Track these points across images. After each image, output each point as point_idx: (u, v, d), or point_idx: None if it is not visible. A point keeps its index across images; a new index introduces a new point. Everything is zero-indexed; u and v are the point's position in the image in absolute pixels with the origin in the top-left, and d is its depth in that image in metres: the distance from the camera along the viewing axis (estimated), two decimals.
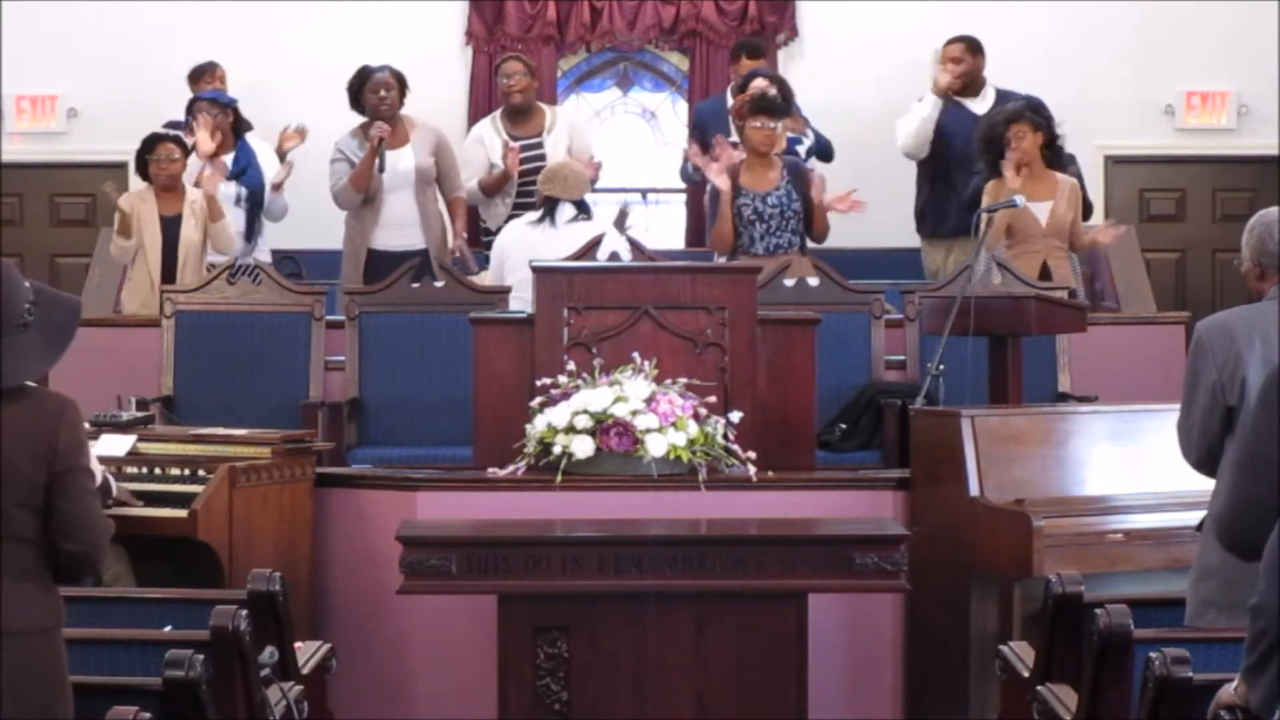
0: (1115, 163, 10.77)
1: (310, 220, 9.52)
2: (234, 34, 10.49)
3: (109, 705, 3.87)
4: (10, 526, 3.73)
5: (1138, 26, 10.74)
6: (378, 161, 8.73)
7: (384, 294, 8.02)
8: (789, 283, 7.90)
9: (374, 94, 8.84)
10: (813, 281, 7.95)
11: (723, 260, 8.35)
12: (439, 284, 8.04)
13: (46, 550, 3.80)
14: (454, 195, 9.00)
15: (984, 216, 7.29)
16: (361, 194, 8.81)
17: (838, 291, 7.94)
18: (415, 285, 8.04)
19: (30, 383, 3.83)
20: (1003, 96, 9.28)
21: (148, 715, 3.82)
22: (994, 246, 8.16)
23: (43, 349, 3.82)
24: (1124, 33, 10.73)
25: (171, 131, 8.89)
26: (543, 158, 8.92)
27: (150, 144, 8.64)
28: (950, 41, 9.65)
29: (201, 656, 4.15)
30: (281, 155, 9.46)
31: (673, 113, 11.37)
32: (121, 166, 10.75)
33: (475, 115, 10.45)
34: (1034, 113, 8.44)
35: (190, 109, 9.14)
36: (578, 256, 7.59)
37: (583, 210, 7.94)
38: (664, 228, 11.09)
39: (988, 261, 7.88)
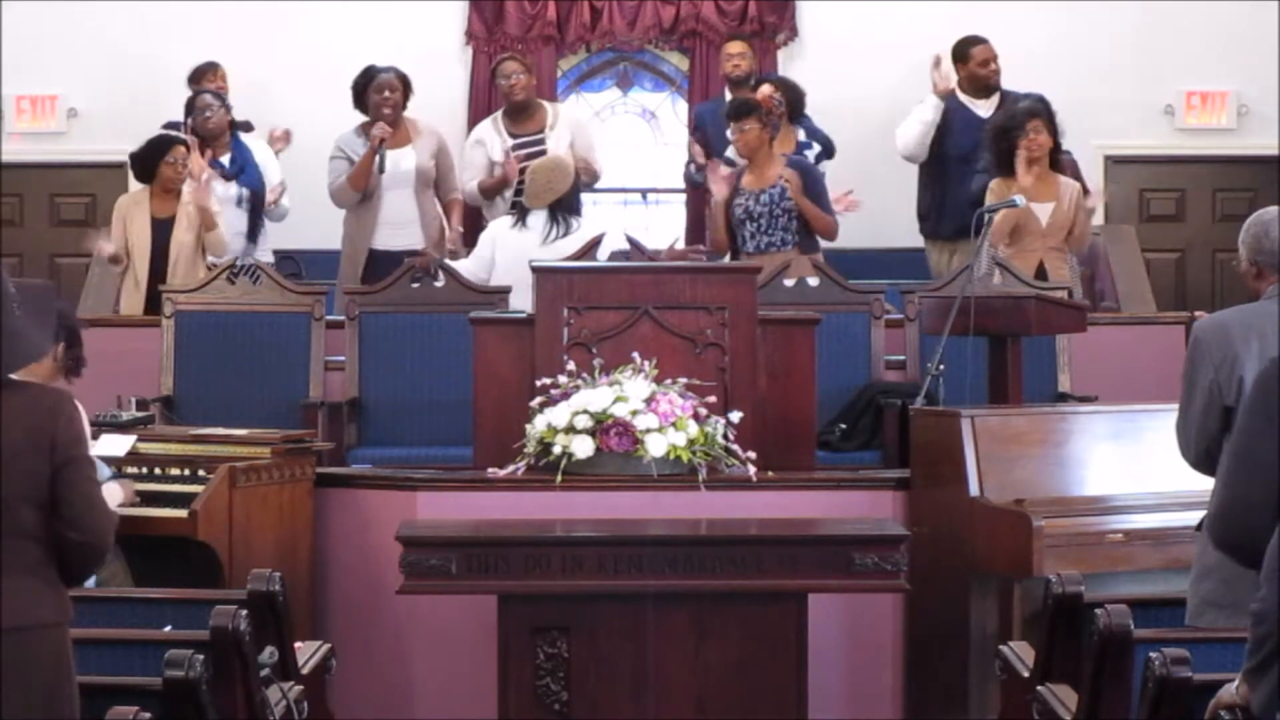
0: (1115, 163, 10.77)
1: (311, 220, 9.53)
2: (234, 33, 10.49)
3: (109, 705, 3.88)
4: (12, 520, 3.73)
5: (1138, 26, 10.74)
6: (377, 161, 8.74)
7: (384, 294, 8.02)
8: (789, 283, 7.91)
9: (378, 94, 8.85)
10: (813, 281, 7.96)
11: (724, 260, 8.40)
12: (439, 284, 8.04)
13: (52, 547, 3.80)
14: (451, 197, 9.03)
15: (985, 216, 7.30)
16: (359, 193, 8.83)
17: (838, 291, 7.95)
18: (415, 285, 8.04)
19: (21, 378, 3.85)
20: (1008, 96, 9.31)
21: (148, 715, 3.83)
22: (996, 246, 8.19)
23: (37, 330, 3.86)
24: (1124, 33, 10.72)
25: (181, 135, 8.87)
26: (544, 154, 8.93)
27: (165, 145, 8.57)
28: (979, 43, 9.65)
29: (201, 656, 4.16)
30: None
31: (673, 113, 11.36)
32: (121, 166, 10.76)
33: (475, 115, 10.44)
34: (1048, 112, 8.47)
35: (190, 107, 9.12)
36: (578, 256, 7.60)
37: (554, 220, 7.88)
38: (664, 228, 11.08)
39: (989, 262, 7.90)
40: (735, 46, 10.02)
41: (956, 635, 6.08)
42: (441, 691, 6.32)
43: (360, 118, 9.00)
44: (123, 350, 7.88)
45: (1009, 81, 9.66)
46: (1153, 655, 4.17)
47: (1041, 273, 8.21)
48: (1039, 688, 4.94)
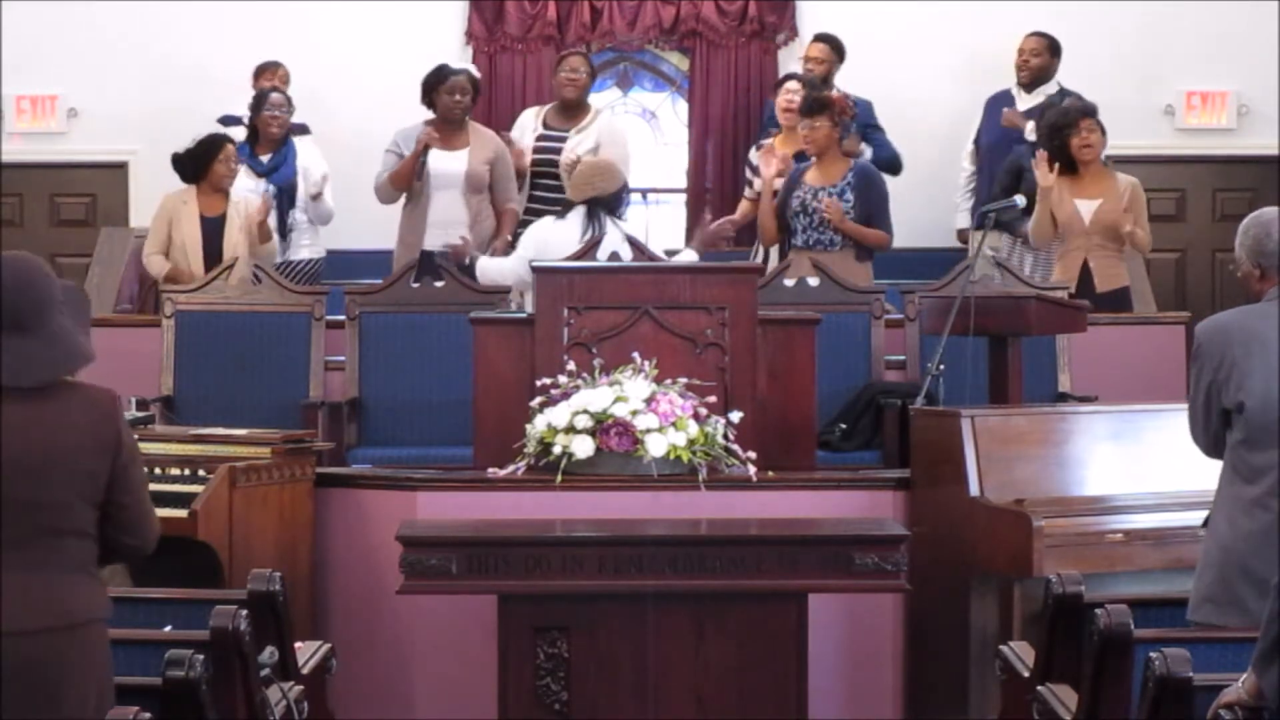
0: (1115, 163, 10.74)
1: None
2: (233, 33, 10.49)
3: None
4: (75, 521, 3.79)
5: (1138, 26, 10.74)
6: (419, 166, 8.75)
7: (384, 294, 8.02)
8: (789, 283, 7.91)
9: (449, 95, 8.82)
10: (813, 281, 7.96)
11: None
12: (439, 284, 8.04)
13: (98, 543, 3.88)
14: (505, 206, 8.88)
15: (988, 216, 7.33)
16: (400, 191, 8.80)
17: (838, 291, 7.94)
18: (415, 285, 8.04)
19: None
20: (1064, 94, 9.36)
21: (148, 715, 3.84)
22: (1047, 243, 8.36)
23: (81, 331, 3.91)
24: (1124, 33, 10.73)
25: (229, 131, 8.89)
26: (562, 150, 8.94)
27: (218, 145, 8.54)
28: (1028, 35, 9.71)
29: (201, 656, 4.16)
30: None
31: (673, 113, 11.37)
32: (122, 166, 10.78)
33: (475, 115, 10.43)
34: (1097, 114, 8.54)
35: (260, 103, 9.14)
36: (578, 256, 7.60)
37: (591, 217, 7.87)
38: (664, 228, 11.08)
39: (989, 261, 7.92)
40: (816, 50, 9.98)
41: (956, 635, 6.08)
42: (441, 691, 6.31)
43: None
44: (123, 350, 7.88)
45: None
46: (1153, 655, 4.17)
47: (1086, 272, 8.24)
48: (1039, 688, 4.94)
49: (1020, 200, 7.68)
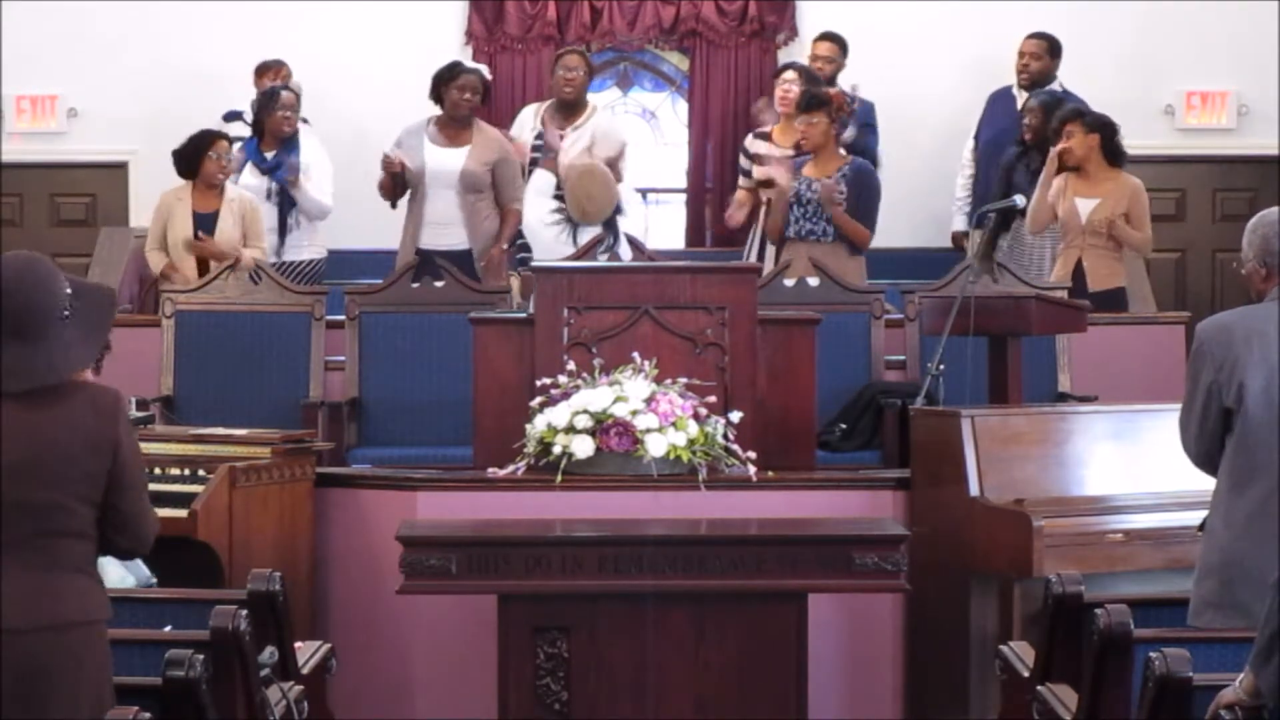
0: None
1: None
2: (233, 33, 10.49)
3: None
4: (72, 521, 3.79)
5: (1138, 26, 10.75)
6: (394, 184, 8.80)
7: (384, 294, 8.02)
8: (789, 283, 7.91)
9: (459, 92, 8.76)
10: (813, 281, 7.96)
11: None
12: (439, 284, 8.03)
13: (97, 543, 3.88)
14: (509, 207, 8.81)
15: (986, 215, 7.33)
16: (387, 198, 8.87)
17: (838, 291, 7.94)
18: (415, 285, 8.04)
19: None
20: (1068, 97, 9.36)
21: (148, 715, 3.83)
22: (1041, 229, 8.37)
23: (86, 339, 3.88)
24: (1124, 33, 10.73)
25: (230, 127, 8.87)
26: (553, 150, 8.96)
27: (208, 141, 8.51)
28: (1028, 37, 9.70)
29: (201, 656, 4.16)
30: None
31: (673, 113, 11.37)
32: (122, 166, 10.79)
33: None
34: (1079, 114, 8.51)
35: (269, 101, 9.07)
36: (578, 256, 7.61)
37: (609, 225, 7.97)
38: (664, 228, 11.08)
39: (990, 261, 7.92)
40: (823, 49, 9.97)
41: (956, 635, 6.08)
42: (441, 691, 6.32)
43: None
44: (123, 350, 7.86)
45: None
46: (1153, 655, 4.17)
47: (1080, 271, 8.23)
48: (1039, 688, 4.94)
49: (1020, 200, 7.68)
